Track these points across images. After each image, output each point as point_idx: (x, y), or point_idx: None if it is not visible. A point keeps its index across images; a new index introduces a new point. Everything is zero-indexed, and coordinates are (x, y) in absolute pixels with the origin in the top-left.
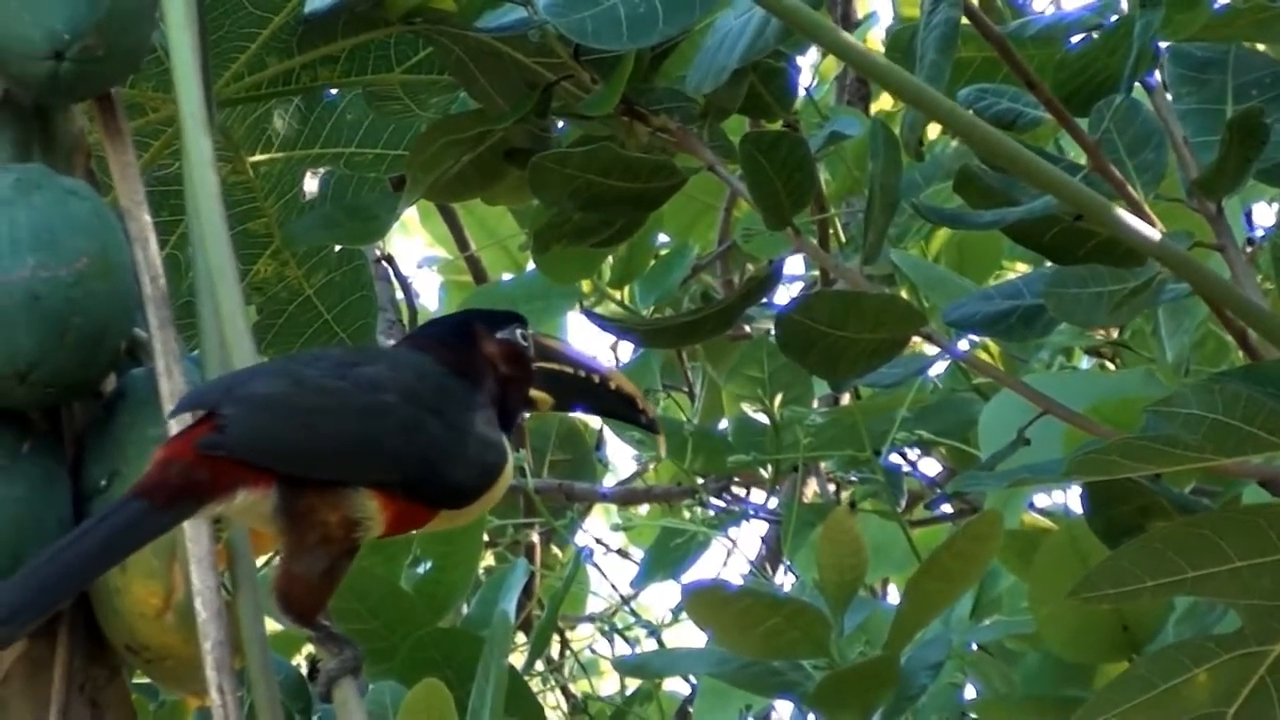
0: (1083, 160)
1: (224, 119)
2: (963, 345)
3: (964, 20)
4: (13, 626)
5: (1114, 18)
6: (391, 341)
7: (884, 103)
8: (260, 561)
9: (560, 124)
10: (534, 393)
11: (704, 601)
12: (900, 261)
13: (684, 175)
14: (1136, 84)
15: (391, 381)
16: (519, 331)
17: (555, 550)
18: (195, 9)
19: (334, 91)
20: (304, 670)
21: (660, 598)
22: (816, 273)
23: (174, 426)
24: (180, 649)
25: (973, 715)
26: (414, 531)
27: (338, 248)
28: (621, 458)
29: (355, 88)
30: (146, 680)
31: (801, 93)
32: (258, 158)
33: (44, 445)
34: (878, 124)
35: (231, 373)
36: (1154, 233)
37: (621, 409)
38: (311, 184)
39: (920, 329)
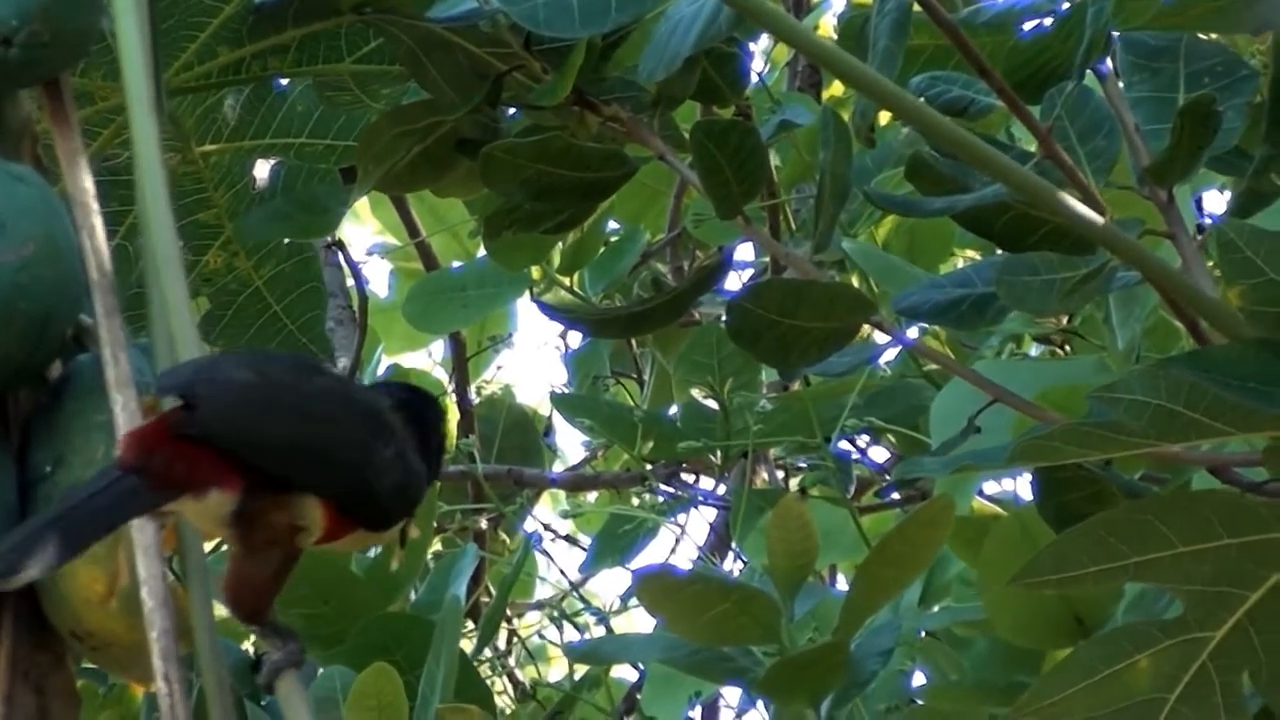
0: (1034, 148)
1: (174, 108)
2: (913, 333)
3: (916, 7)
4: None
5: (1066, 5)
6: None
7: (835, 90)
8: (208, 547)
9: (512, 114)
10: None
11: (654, 587)
12: (850, 250)
13: (635, 164)
14: (1088, 72)
15: (344, 398)
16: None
17: (504, 537)
18: None
19: (284, 82)
20: (252, 658)
21: (609, 584)
22: (767, 260)
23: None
24: (125, 635)
25: (922, 702)
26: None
27: (287, 240)
28: (571, 444)
29: (306, 78)
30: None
31: (754, 79)
32: (207, 148)
33: None
34: (828, 111)
35: (200, 358)
36: (1105, 220)
37: None
38: (262, 174)
39: (870, 317)
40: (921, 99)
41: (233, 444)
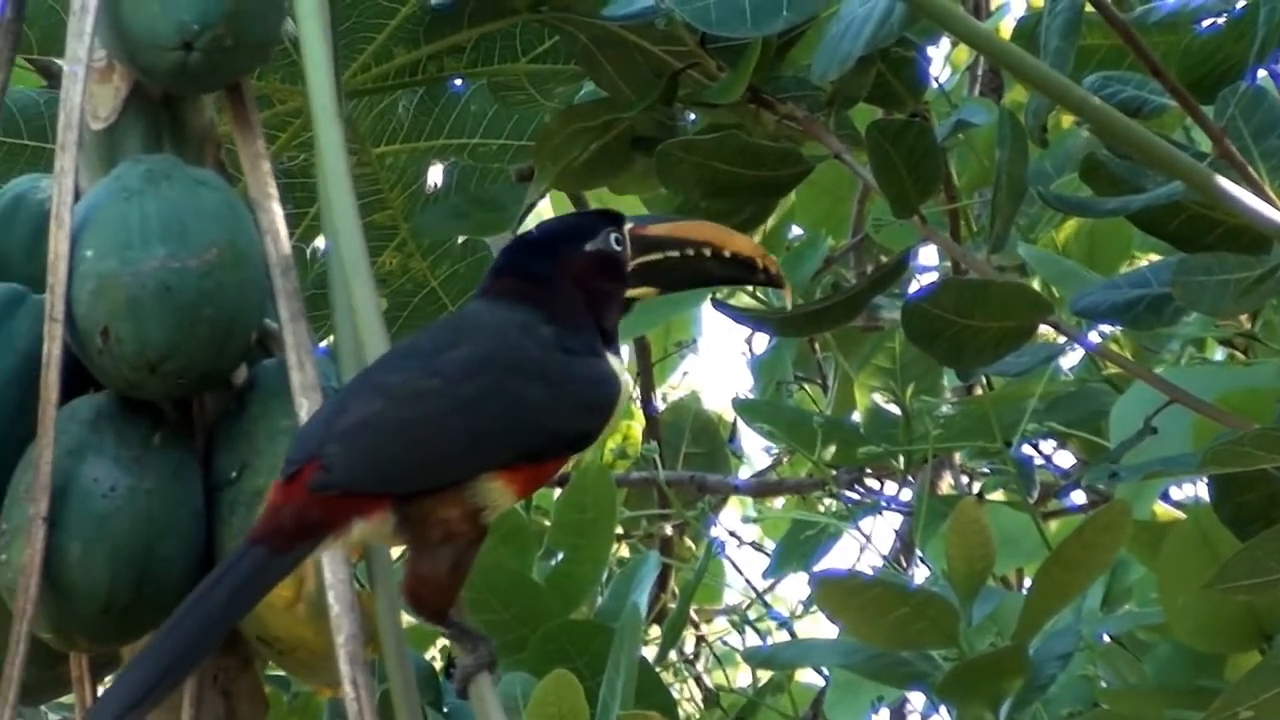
0: (1208, 147)
1: (350, 110)
2: (1094, 337)
3: (1088, 7)
4: (160, 691)
5: (1240, 4)
6: None
7: (1017, 94)
8: (395, 553)
9: (692, 119)
10: (635, 291)
11: (834, 591)
12: (1027, 254)
13: (810, 163)
14: (1262, 71)
15: (483, 360)
16: (612, 236)
17: (688, 543)
18: (327, 2)
19: (458, 83)
20: (436, 663)
21: (793, 590)
22: (949, 264)
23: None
24: (311, 641)
25: (1104, 705)
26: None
27: (461, 240)
28: (755, 450)
29: (481, 78)
30: (281, 671)
31: (933, 84)
32: (382, 149)
33: (175, 437)
34: (1005, 113)
35: (328, 402)
36: None
37: (738, 274)
38: (435, 176)
39: (1047, 317)
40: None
41: (371, 489)
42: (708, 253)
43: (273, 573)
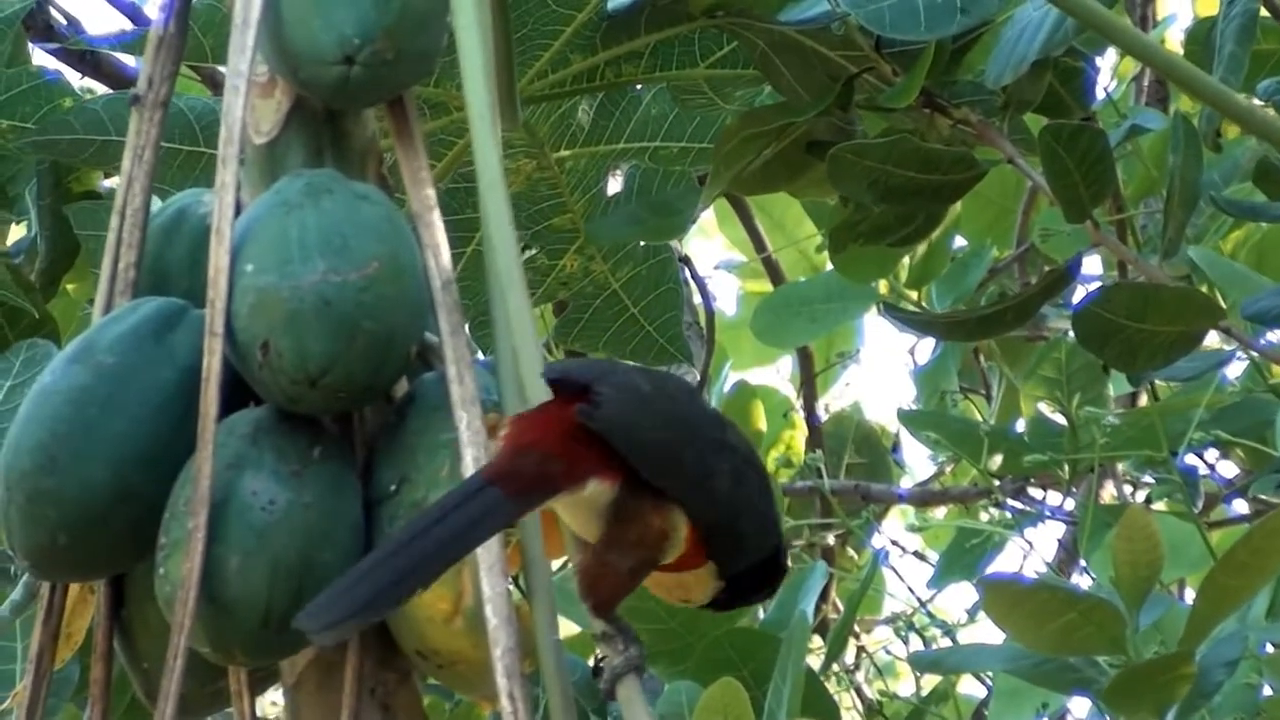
0: None
1: (528, 116)
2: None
3: (1263, 12)
4: (368, 614)
5: None
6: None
7: (1183, 105)
8: (554, 565)
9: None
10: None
11: (1000, 595)
12: (1197, 257)
13: (984, 167)
14: None
15: (727, 428)
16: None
17: (851, 552)
18: (487, 9)
19: (638, 86)
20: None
21: (956, 600)
22: (1115, 273)
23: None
24: (470, 654)
25: (1265, 715)
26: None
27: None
28: (918, 459)
29: (659, 84)
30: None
31: (1100, 93)
32: (562, 153)
33: (334, 450)
34: (1178, 118)
35: (591, 362)
36: None
37: None
38: (615, 180)
39: (1218, 322)
40: (1269, 103)
41: (628, 445)
42: None
43: (502, 517)
